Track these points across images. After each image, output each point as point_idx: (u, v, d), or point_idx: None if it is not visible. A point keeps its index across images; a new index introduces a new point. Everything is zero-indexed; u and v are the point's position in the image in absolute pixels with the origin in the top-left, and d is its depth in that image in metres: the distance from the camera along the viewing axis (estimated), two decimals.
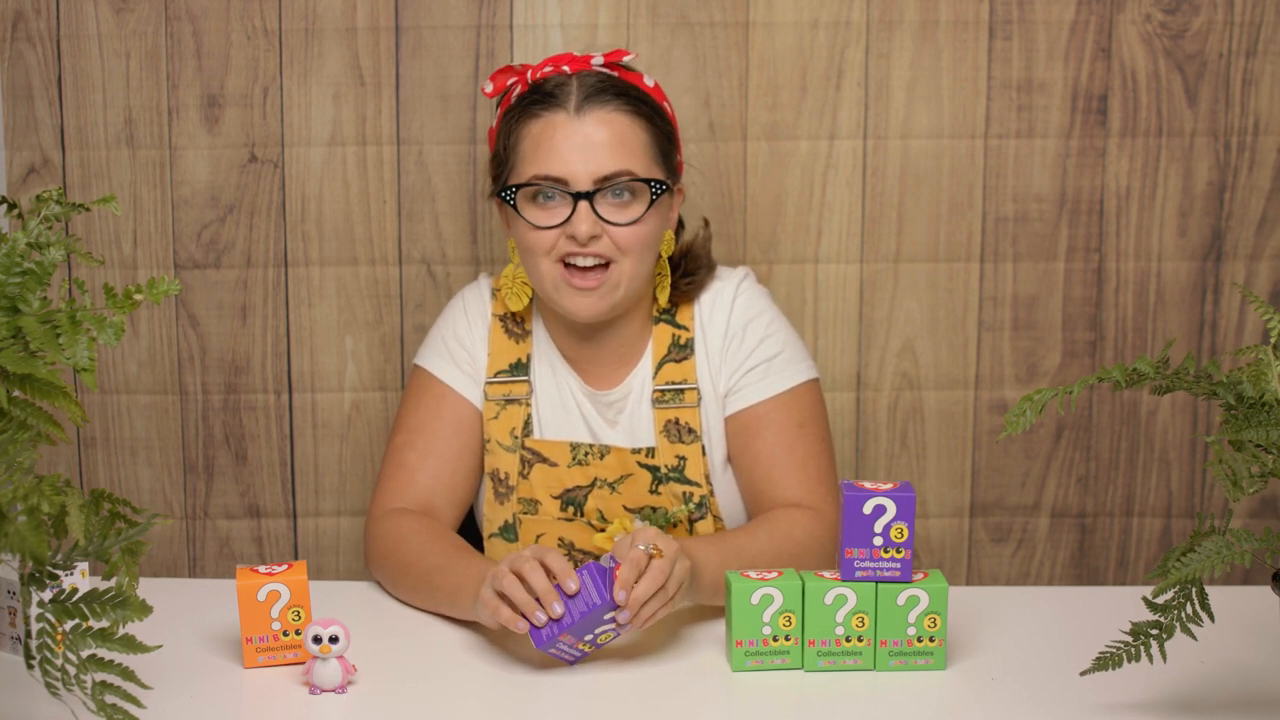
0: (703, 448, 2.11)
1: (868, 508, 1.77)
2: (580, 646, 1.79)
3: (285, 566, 1.83)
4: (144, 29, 2.46)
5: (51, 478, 1.41)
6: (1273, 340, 1.64)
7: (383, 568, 2.07)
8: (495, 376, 2.15)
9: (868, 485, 1.78)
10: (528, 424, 2.14)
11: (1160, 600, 1.62)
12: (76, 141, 2.48)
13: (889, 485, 1.78)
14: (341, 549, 2.59)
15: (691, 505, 2.09)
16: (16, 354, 1.43)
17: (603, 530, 2.11)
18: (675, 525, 2.10)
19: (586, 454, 2.12)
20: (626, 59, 2.09)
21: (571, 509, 2.12)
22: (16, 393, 1.44)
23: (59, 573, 1.47)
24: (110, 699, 1.49)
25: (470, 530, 2.25)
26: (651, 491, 2.10)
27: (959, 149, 2.50)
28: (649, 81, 2.12)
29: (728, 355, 2.13)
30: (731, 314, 2.14)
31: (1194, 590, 1.61)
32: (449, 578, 1.94)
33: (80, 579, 1.83)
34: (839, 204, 2.50)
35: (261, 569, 1.82)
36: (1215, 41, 2.47)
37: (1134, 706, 1.71)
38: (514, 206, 2.05)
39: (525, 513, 2.13)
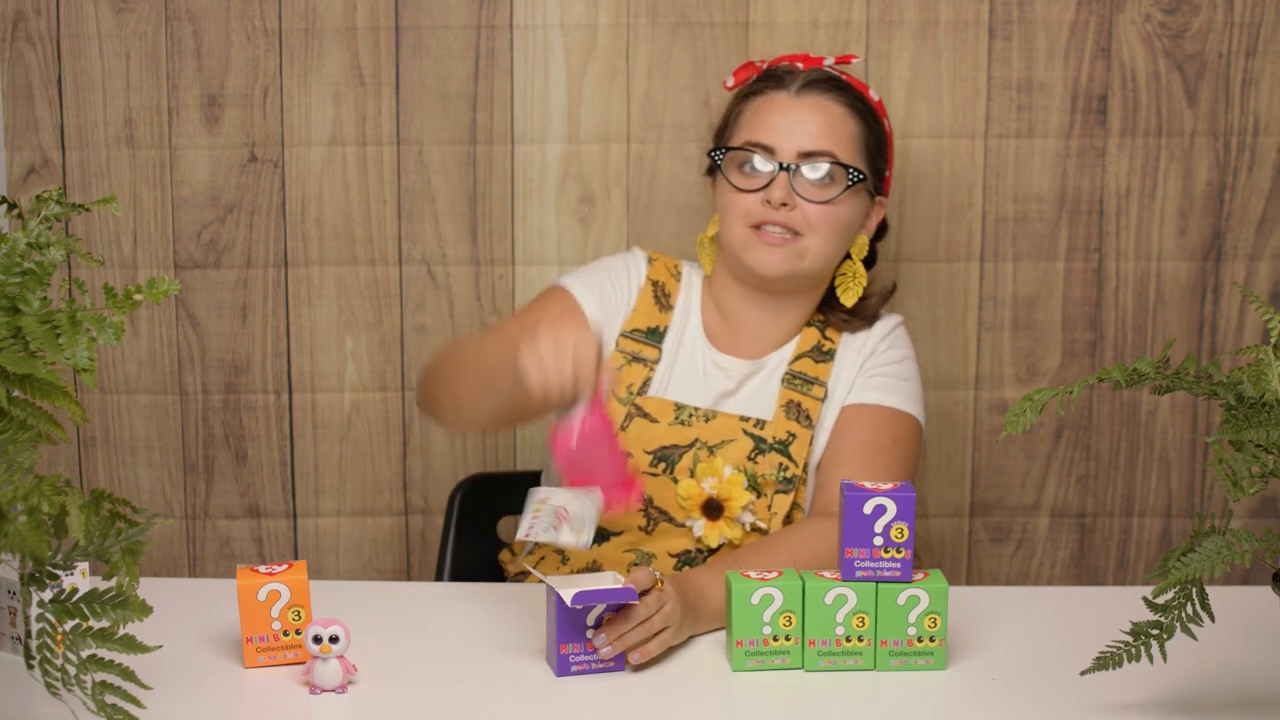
0: (812, 437, 2.14)
1: (868, 508, 1.77)
2: (594, 648, 1.79)
3: (285, 566, 1.82)
4: (144, 29, 2.46)
5: (51, 478, 1.41)
6: (1273, 340, 1.64)
7: (439, 370, 2.07)
8: (631, 333, 2.20)
9: (868, 485, 1.78)
10: (645, 384, 2.17)
11: (1160, 600, 1.62)
12: (76, 141, 2.48)
13: (889, 485, 1.78)
14: (341, 549, 2.59)
15: (781, 476, 2.11)
16: (16, 354, 1.43)
17: (690, 477, 2.12)
18: (760, 495, 2.11)
19: (691, 416, 2.15)
20: (855, 60, 2.22)
21: (663, 465, 2.14)
22: (16, 393, 1.44)
23: (59, 573, 1.47)
24: (110, 699, 1.49)
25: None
26: (749, 458, 2.13)
27: (959, 149, 2.50)
28: (874, 95, 2.18)
29: (864, 363, 2.18)
30: (878, 339, 2.20)
31: (1194, 590, 1.61)
32: (498, 345, 1.98)
33: (80, 579, 1.82)
34: None
35: (261, 569, 1.82)
36: (1215, 41, 2.47)
37: (1134, 706, 1.71)
38: (720, 167, 2.15)
39: None
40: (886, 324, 2.22)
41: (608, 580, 1.81)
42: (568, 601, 1.74)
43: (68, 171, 2.49)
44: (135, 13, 2.45)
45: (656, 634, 1.80)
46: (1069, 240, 2.52)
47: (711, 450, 2.13)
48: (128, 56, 2.46)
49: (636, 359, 2.18)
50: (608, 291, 2.20)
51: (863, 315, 2.20)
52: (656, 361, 2.19)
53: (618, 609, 1.78)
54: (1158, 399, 2.56)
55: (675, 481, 2.13)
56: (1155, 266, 2.53)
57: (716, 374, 2.19)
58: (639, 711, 1.73)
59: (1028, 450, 2.58)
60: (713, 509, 2.10)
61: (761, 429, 2.14)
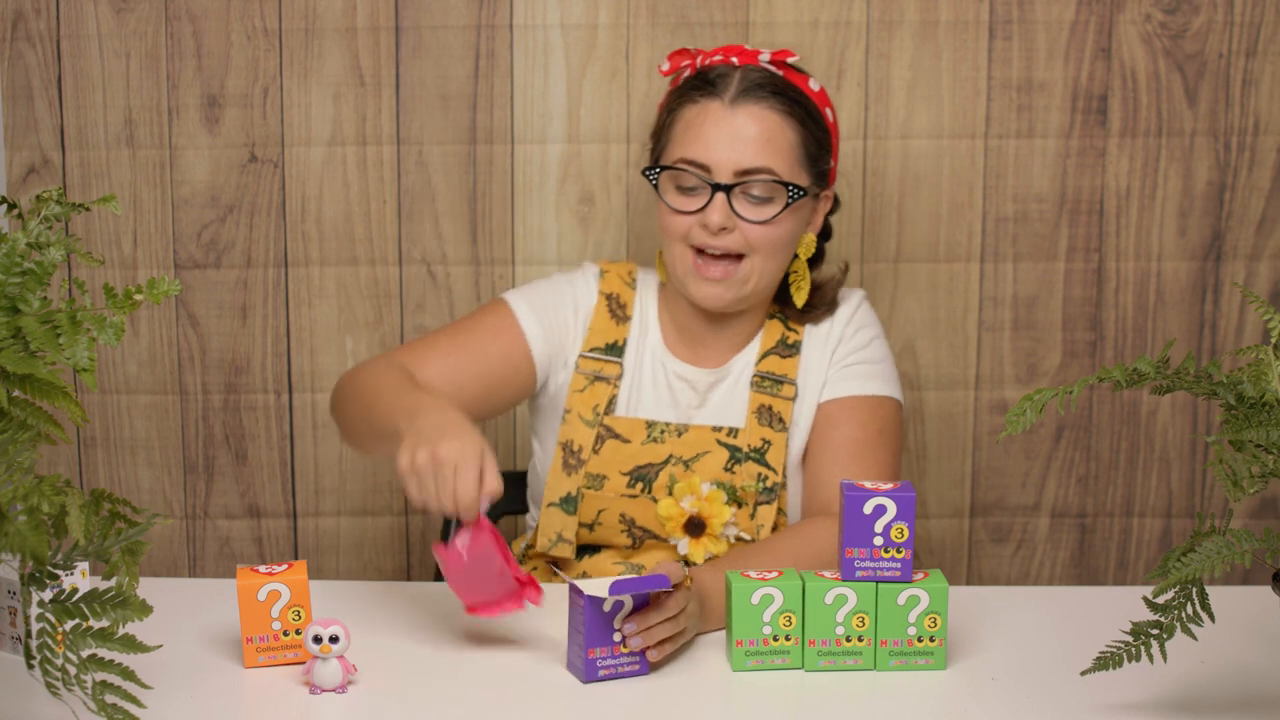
0: (787, 440, 2.12)
1: (868, 508, 1.77)
2: (621, 651, 1.78)
3: (285, 566, 1.82)
4: (144, 29, 2.46)
5: (51, 478, 1.41)
6: (1273, 340, 1.64)
7: (348, 386, 2.05)
8: (589, 352, 2.15)
9: (868, 485, 1.78)
10: (611, 402, 2.14)
11: (1160, 600, 1.62)
12: (76, 141, 2.48)
13: (889, 485, 1.78)
14: (341, 549, 2.59)
15: (761, 485, 2.09)
16: (16, 354, 1.43)
17: (669, 495, 2.10)
18: (741, 505, 2.09)
19: (663, 432, 2.12)
20: (791, 59, 2.11)
21: (640, 485, 2.11)
22: (16, 393, 1.44)
23: (59, 573, 1.47)
24: (110, 699, 1.49)
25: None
26: (726, 469, 2.10)
27: (959, 149, 2.50)
28: (814, 85, 2.12)
29: (834, 351, 2.15)
30: (843, 324, 2.17)
31: (1194, 590, 1.61)
32: (399, 401, 1.92)
33: (80, 579, 1.82)
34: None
35: (261, 569, 1.82)
36: (1215, 41, 2.47)
37: (1134, 706, 1.71)
38: (656, 186, 2.10)
39: (589, 487, 2.11)
40: (849, 305, 2.17)
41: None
42: (604, 593, 1.73)
43: (68, 171, 2.49)
44: (135, 13, 2.45)
45: (681, 630, 1.80)
46: (1069, 240, 2.52)
47: (687, 465, 2.10)
48: (128, 56, 2.46)
49: (599, 378, 2.14)
50: (552, 316, 2.15)
51: (821, 304, 2.16)
52: (619, 377, 2.15)
53: (642, 605, 1.77)
54: (1158, 399, 2.56)
55: (655, 501, 2.10)
56: (1155, 266, 2.53)
57: (682, 386, 2.15)
58: (639, 711, 1.73)
59: (1028, 450, 2.58)
60: (695, 527, 2.08)
61: (735, 437, 2.11)
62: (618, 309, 2.18)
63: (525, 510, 2.34)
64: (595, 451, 2.12)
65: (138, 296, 1.49)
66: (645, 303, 2.20)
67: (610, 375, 2.14)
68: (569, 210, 2.52)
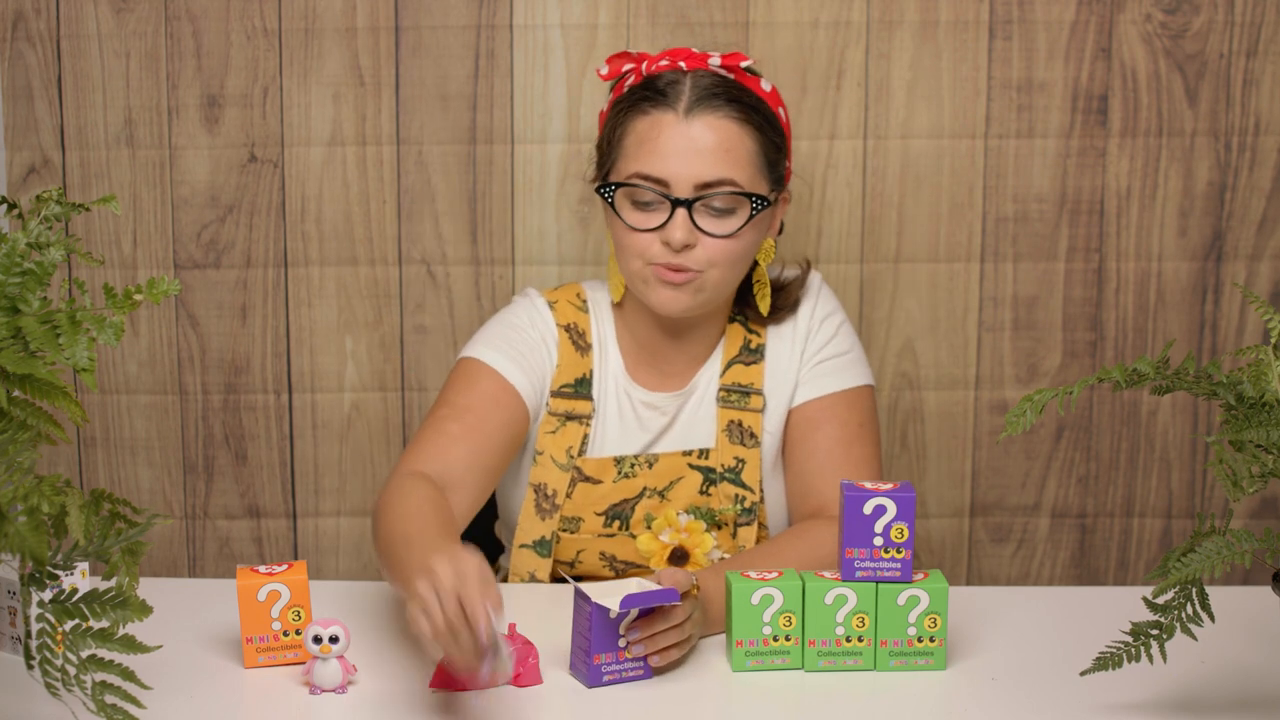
0: (761, 455, 2.09)
1: (868, 508, 1.77)
2: (626, 656, 1.77)
3: (285, 566, 1.82)
4: (144, 29, 2.46)
5: (51, 478, 1.41)
6: (1273, 340, 1.64)
7: (377, 522, 1.92)
8: (560, 389, 2.10)
9: (868, 485, 1.78)
10: (584, 442, 2.10)
11: (1160, 600, 1.62)
12: (76, 141, 2.48)
13: (889, 485, 1.78)
14: (341, 549, 2.59)
15: (739, 508, 2.07)
16: (16, 354, 1.43)
17: (647, 530, 2.07)
18: (721, 528, 2.08)
19: (633, 466, 2.08)
20: (745, 63, 2.04)
21: (616, 523, 2.09)
22: (16, 393, 1.44)
23: (59, 573, 1.47)
24: (110, 699, 1.49)
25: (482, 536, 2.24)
26: (701, 493, 2.08)
27: (959, 149, 2.50)
28: (765, 86, 2.06)
29: (804, 350, 2.11)
30: (808, 315, 2.13)
31: (1194, 590, 1.61)
32: (416, 558, 1.75)
33: (80, 579, 1.83)
34: (839, 204, 2.51)
35: (261, 569, 1.82)
36: (1215, 41, 2.47)
37: (1134, 706, 1.71)
38: (611, 204, 2.03)
39: (565, 530, 2.09)
40: (810, 296, 2.13)
41: (633, 586, 1.79)
42: (614, 607, 1.73)
43: (68, 171, 2.49)
44: (135, 13, 2.45)
45: (686, 638, 1.79)
46: (1069, 240, 2.52)
47: (662, 494, 2.08)
48: (128, 56, 2.46)
49: (570, 418, 2.09)
50: (532, 367, 2.09)
51: (785, 306, 2.12)
52: (590, 416, 2.10)
53: (648, 611, 1.77)
54: (1158, 399, 2.56)
55: (633, 537, 2.08)
56: (1156, 267, 2.53)
57: (649, 413, 2.11)
58: (638, 710, 1.73)
59: (1028, 451, 2.58)
60: (678, 558, 2.05)
61: (706, 458, 2.08)
62: (578, 338, 2.12)
63: (495, 517, 2.33)
64: (569, 496, 2.09)
65: (137, 296, 1.49)
66: (602, 327, 2.14)
67: (582, 414, 2.10)
68: (569, 210, 2.52)
